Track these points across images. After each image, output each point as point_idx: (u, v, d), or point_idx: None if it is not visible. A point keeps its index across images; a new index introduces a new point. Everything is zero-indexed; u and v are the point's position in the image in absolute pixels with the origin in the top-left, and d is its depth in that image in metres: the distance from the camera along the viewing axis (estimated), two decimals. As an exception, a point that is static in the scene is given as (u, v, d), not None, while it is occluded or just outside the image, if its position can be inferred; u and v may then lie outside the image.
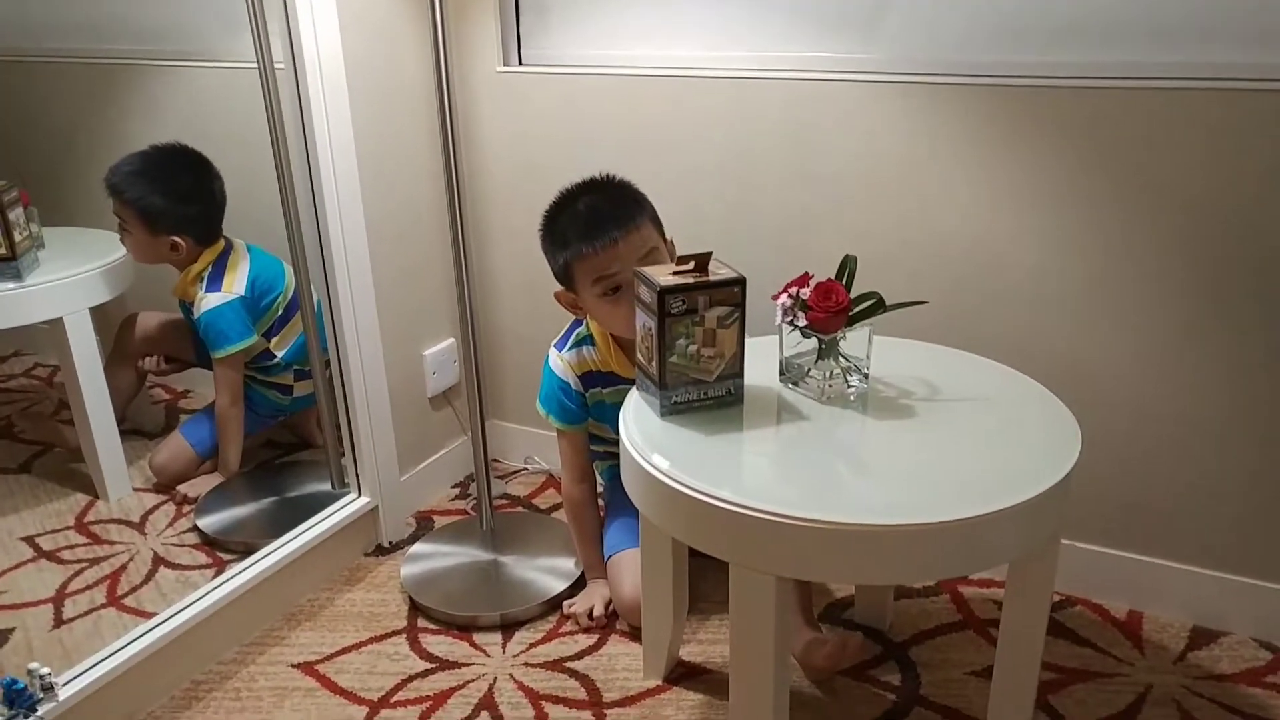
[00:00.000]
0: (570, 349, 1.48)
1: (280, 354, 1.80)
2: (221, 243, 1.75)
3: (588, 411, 1.49)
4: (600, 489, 1.62)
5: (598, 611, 1.47)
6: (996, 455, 1.05)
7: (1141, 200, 1.32)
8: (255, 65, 1.53)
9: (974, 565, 1.01)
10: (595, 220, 1.34)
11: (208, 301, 1.71)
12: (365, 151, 1.57)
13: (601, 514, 1.58)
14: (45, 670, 1.22)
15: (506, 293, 1.87)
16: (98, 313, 1.72)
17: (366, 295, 1.62)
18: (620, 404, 1.20)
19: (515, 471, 1.95)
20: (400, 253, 1.70)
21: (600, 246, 1.32)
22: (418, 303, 1.78)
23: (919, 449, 1.07)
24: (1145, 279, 1.35)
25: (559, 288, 1.45)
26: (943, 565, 0.98)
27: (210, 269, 1.72)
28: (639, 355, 1.18)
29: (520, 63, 1.72)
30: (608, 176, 1.42)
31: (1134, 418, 1.41)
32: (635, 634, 1.44)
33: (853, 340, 1.17)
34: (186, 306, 1.77)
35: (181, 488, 1.77)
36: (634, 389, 1.21)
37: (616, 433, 1.16)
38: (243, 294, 1.73)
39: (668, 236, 1.43)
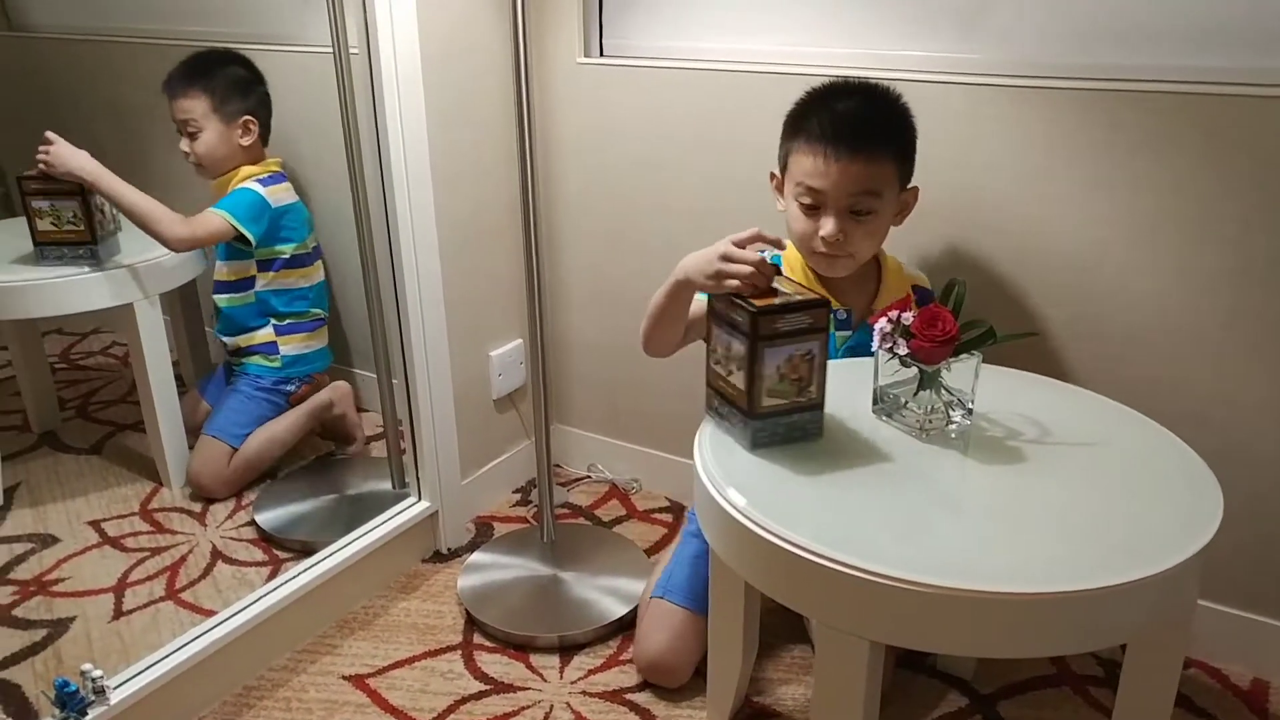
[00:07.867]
0: None
1: (257, 287, 1.80)
2: (279, 163, 1.77)
3: None
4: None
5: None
6: (1122, 515, 0.93)
7: (1294, 224, 1.17)
8: (330, 49, 1.48)
9: (1094, 642, 0.90)
10: (841, 126, 1.20)
11: (245, 186, 1.72)
12: (438, 141, 1.51)
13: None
14: (98, 673, 1.19)
15: (577, 295, 1.79)
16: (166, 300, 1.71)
17: (435, 291, 1.56)
18: None
19: (577, 479, 1.87)
20: (470, 249, 1.64)
21: (825, 155, 1.19)
22: (486, 302, 1.71)
23: (1031, 501, 0.95)
24: (1293, 313, 1.20)
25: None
26: (1058, 640, 0.86)
27: (267, 175, 1.75)
28: (715, 381, 1.08)
29: (601, 54, 1.63)
30: (886, 89, 1.25)
31: (1274, 468, 1.26)
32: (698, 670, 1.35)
33: (957, 372, 1.06)
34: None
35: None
36: (706, 419, 1.12)
37: None
38: (273, 206, 1.74)
39: (909, 185, 1.26)
